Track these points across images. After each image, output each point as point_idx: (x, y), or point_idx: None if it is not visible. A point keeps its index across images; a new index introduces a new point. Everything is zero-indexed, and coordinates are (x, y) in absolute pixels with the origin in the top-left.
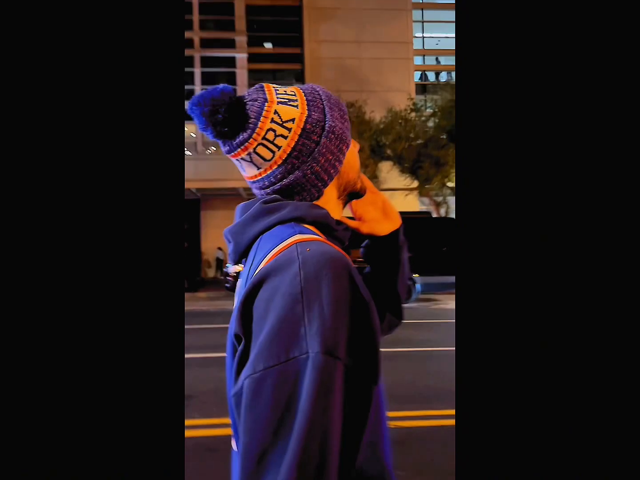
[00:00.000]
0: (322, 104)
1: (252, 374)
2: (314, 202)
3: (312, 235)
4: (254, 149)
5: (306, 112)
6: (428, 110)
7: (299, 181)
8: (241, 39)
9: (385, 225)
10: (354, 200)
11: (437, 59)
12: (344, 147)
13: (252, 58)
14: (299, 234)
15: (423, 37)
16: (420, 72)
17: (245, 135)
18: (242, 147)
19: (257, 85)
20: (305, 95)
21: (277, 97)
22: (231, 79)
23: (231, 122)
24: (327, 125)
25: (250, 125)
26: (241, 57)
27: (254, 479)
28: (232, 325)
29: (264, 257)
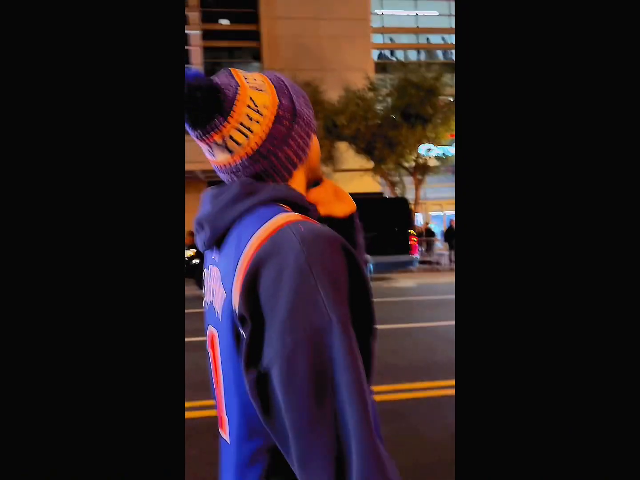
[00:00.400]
0: (289, 91)
1: (282, 350)
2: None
3: (298, 215)
4: (230, 133)
5: (277, 99)
6: (385, 89)
7: (273, 165)
8: (194, 15)
9: (340, 207)
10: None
11: (390, 37)
12: (310, 132)
13: (206, 35)
14: (283, 213)
15: (382, 15)
16: (379, 51)
17: (220, 119)
18: (216, 131)
19: (224, 70)
20: (272, 82)
21: (248, 83)
22: (184, 57)
23: (207, 106)
24: (297, 112)
25: (226, 109)
26: (195, 34)
27: (309, 447)
28: (227, 314)
29: (250, 239)
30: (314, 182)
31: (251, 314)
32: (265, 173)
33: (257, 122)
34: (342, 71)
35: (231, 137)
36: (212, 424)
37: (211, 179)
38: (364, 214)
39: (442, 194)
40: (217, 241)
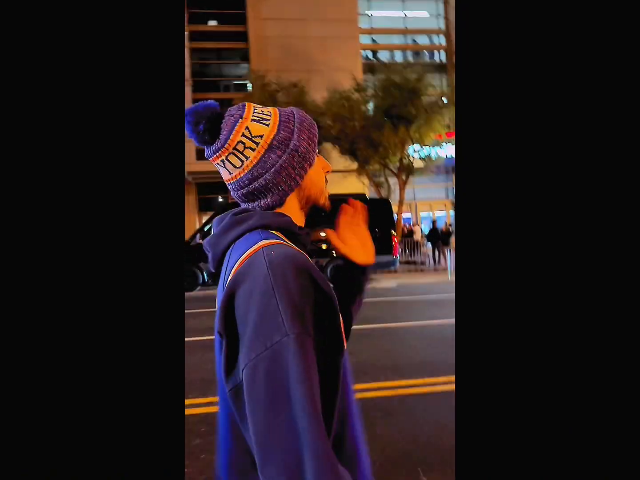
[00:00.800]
0: (293, 126)
1: (247, 364)
2: (279, 211)
3: (275, 240)
4: (226, 156)
5: (275, 130)
6: (370, 90)
7: (262, 187)
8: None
9: (361, 255)
10: (341, 223)
11: (373, 38)
12: (305, 165)
13: (194, 36)
14: (265, 239)
15: (371, 16)
16: (368, 52)
17: (219, 144)
18: (216, 154)
19: (241, 104)
20: (280, 116)
21: (253, 115)
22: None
23: (210, 133)
24: (292, 144)
25: (223, 137)
26: None
27: (266, 454)
28: (215, 328)
29: (237, 261)
30: (312, 208)
31: (227, 329)
32: (259, 193)
33: (251, 149)
34: (330, 72)
35: (228, 160)
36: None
37: (198, 181)
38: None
39: (432, 194)
40: (218, 263)
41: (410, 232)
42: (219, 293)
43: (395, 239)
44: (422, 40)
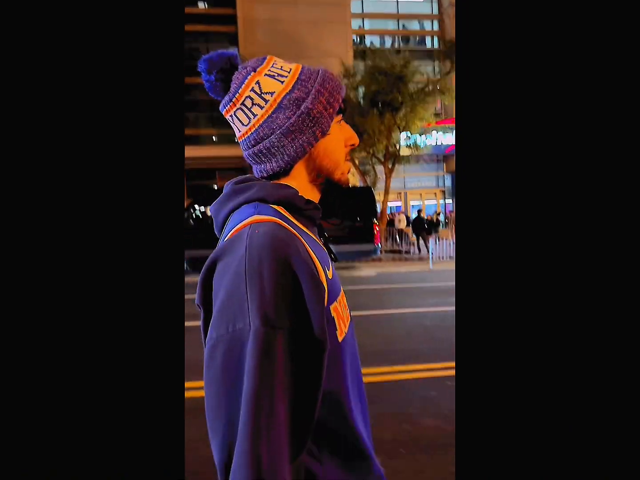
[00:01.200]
0: (312, 86)
1: (209, 340)
2: (283, 182)
3: (269, 216)
4: (234, 112)
5: (289, 89)
6: (359, 76)
7: (267, 150)
8: None
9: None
10: None
11: (359, 25)
12: (317, 131)
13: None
14: (258, 214)
15: (362, 0)
16: (359, 37)
17: (228, 97)
18: (225, 109)
19: (262, 57)
20: (300, 74)
21: (268, 70)
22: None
23: (222, 84)
24: (304, 105)
25: (232, 90)
26: None
27: (212, 432)
28: None
29: (228, 234)
30: (326, 183)
31: (203, 301)
32: (264, 156)
33: (259, 106)
34: (320, 57)
35: (237, 116)
36: None
37: (187, 167)
38: (328, 202)
39: (423, 183)
40: (220, 231)
41: (392, 221)
42: None
43: (377, 227)
44: (415, 25)
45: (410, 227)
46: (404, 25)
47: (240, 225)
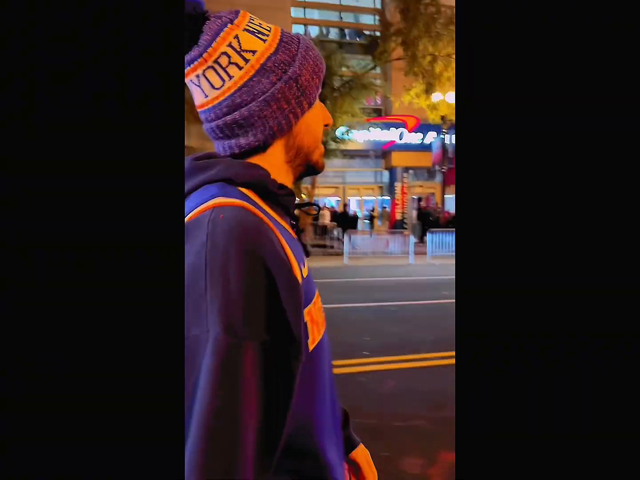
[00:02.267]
0: (297, 50)
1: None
2: (255, 160)
3: (236, 200)
4: (204, 71)
5: (273, 50)
6: None
7: (244, 121)
8: None
9: None
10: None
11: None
12: (304, 103)
13: None
14: (223, 196)
15: None
16: (301, 26)
17: (196, 52)
18: (191, 66)
19: (234, 10)
20: (281, 36)
21: (247, 25)
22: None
23: (187, 34)
24: (291, 70)
25: (204, 42)
26: None
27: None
28: None
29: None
30: (306, 167)
31: None
32: (239, 128)
33: (238, 66)
34: None
35: (206, 77)
36: None
37: None
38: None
39: (362, 178)
40: None
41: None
42: None
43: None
44: (363, 19)
45: (336, 223)
46: (340, 17)
47: (200, 209)
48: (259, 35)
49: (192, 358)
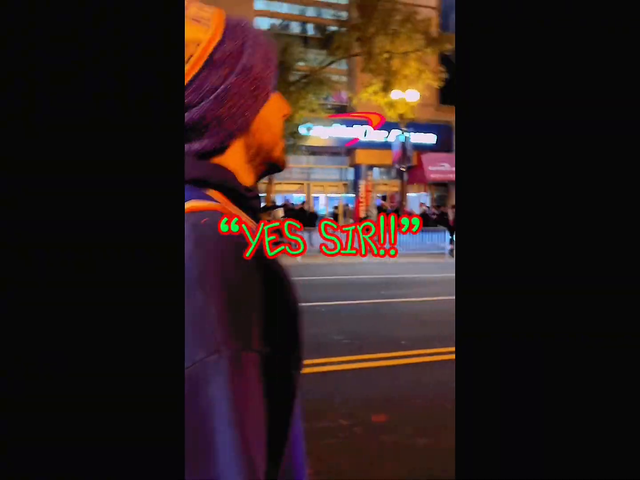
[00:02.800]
0: (243, 36)
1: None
2: (216, 161)
3: (211, 203)
4: None
5: (219, 38)
6: None
7: (196, 123)
8: None
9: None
10: None
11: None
12: (261, 95)
13: None
14: (196, 199)
15: None
16: (265, 19)
17: None
18: None
19: None
20: (226, 20)
21: (187, 11)
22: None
23: None
24: (243, 59)
25: None
26: None
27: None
28: None
29: None
30: (268, 165)
31: None
32: (192, 131)
33: None
34: None
35: None
36: None
37: None
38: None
39: (328, 175)
40: None
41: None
42: None
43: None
44: (325, 13)
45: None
46: (303, 10)
47: None
48: (197, 20)
49: (203, 385)
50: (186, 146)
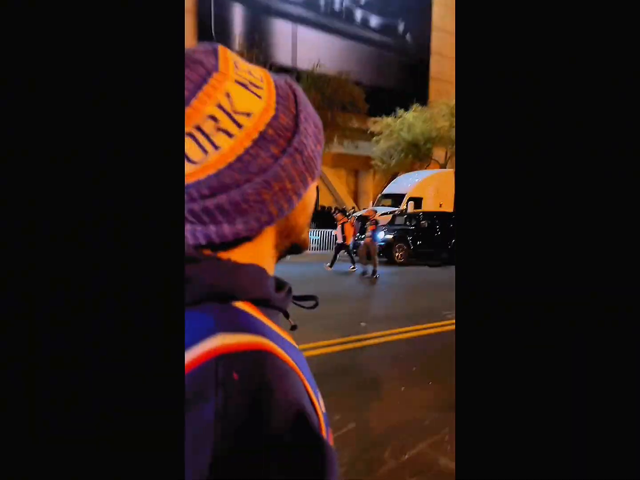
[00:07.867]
0: (296, 109)
1: None
2: (237, 252)
3: (245, 337)
4: None
5: (273, 111)
6: None
7: (234, 206)
8: None
9: None
10: None
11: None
12: (309, 178)
13: None
14: (225, 331)
15: None
16: None
17: None
18: None
19: (207, 43)
20: (275, 87)
21: (236, 73)
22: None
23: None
24: (296, 139)
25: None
26: None
27: None
28: None
29: None
30: (292, 247)
31: None
32: (224, 215)
33: (228, 134)
34: None
35: None
36: None
37: None
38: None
39: None
40: None
41: None
42: None
43: None
44: None
45: None
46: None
47: (197, 356)
48: (251, 88)
49: None
50: (211, 227)
